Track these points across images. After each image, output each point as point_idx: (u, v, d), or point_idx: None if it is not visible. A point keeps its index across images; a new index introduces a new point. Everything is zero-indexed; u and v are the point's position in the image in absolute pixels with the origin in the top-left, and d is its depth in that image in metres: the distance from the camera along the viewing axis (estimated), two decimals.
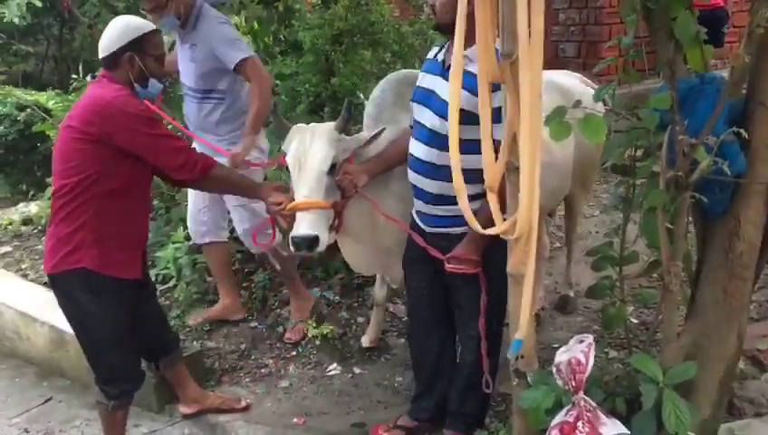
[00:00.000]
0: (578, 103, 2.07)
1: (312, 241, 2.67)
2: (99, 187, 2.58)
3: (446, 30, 2.47)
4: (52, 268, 2.66)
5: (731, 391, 2.74)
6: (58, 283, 2.70)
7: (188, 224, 3.86)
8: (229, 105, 3.58)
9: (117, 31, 2.70)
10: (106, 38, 2.70)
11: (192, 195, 3.76)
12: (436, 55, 2.68)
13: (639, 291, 3.28)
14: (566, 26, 7.06)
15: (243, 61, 3.41)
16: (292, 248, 2.71)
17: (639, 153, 2.38)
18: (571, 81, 3.52)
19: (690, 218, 2.34)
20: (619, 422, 1.99)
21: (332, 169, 2.74)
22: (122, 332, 2.75)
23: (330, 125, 2.81)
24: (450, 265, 2.53)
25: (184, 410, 3.29)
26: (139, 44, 2.69)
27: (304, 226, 2.67)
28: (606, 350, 3.41)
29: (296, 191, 2.73)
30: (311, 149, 2.72)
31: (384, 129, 2.83)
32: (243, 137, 3.44)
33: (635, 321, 3.73)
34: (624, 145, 2.27)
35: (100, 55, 2.72)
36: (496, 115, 2.10)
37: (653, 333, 2.79)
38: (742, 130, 1.91)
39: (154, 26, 2.82)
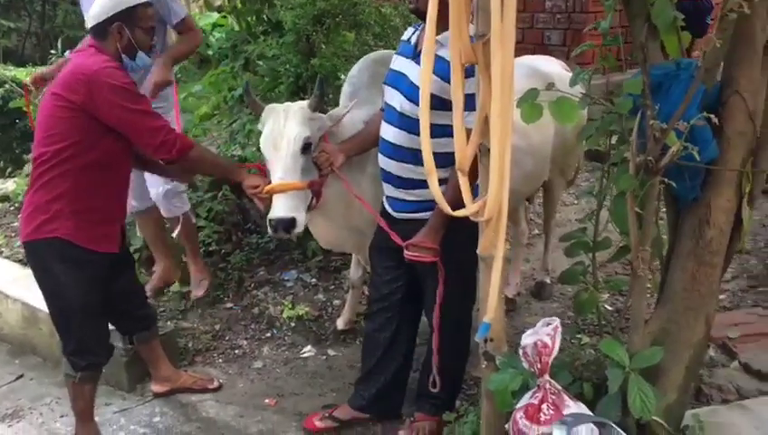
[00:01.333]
0: (551, 86, 2.06)
1: (289, 223, 2.65)
2: (80, 158, 2.57)
3: (425, 15, 2.47)
4: (27, 235, 2.64)
5: (698, 378, 2.77)
6: (32, 251, 2.69)
7: None
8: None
9: (108, 0, 2.66)
10: (97, 6, 2.67)
11: None
12: (409, 38, 2.65)
13: (613, 278, 3.31)
14: (552, 14, 7.04)
15: (184, 17, 3.53)
16: (270, 231, 2.68)
17: (615, 141, 2.39)
18: (552, 66, 3.51)
19: (663, 205, 2.35)
20: (583, 405, 2.00)
21: (307, 149, 2.71)
22: (93, 304, 2.74)
23: (303, 104, 2.78)
24: (408, 253, 2.52)
25: (155, 388, 3.27)
26: (129, 15, 2.66)
27: (281, 208, 2.65)
28: (579, 335, 3.43)
29: (272, 173, 2.71)
30: (284, 129, 2.69)
31: (354, 102, 2.80)
32: (156, 65, 3.30)
33: (609, 308, 3.75)
34: (598, 130, 2.26)
35: (89, 24, 2.68)
36: (470, 102, 2.09)
37: (623, 319, 2.80)
38: (713, 116, 1.90)
39: None
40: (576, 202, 5.20)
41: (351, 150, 2.84)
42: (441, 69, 2.17)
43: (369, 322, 3.02)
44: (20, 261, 4.25)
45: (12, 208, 5.31)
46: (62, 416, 3.17)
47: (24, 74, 5.53)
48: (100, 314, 2.82)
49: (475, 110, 2.03)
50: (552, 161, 3.41)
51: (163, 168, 2.98)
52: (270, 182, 2.70)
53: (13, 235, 4.77)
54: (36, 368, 3.61)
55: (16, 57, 7.59)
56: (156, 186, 3.64)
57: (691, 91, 1.90)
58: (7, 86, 5.53)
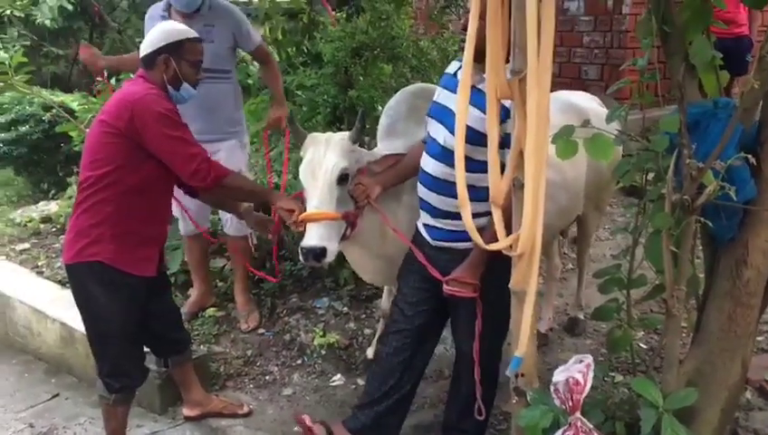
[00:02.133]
0: (586, 122, 2.07)
1: (320, 253, 2.67)
2: (122, 182, 2.64)
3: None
4: (71, 259, 2.71)
5: (734, 421, 2.71)
6: (74, 273, 2.75)
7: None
8: (236, 85, 3.83)
9: (159, 32, 2.78)
10: (147, 38, 2.80)
11: None
12: (455, 72, 2.67)
13: (648, 315, 3.26)
14: (590, 49, 7.06)
15: (261, 44, 3.81)
16: (301, 258, 2.72)
17: (651, 177, 2.38)
18: (587, 102, 3.51)
19: (700, 244, 2.33)
20: None
21: (344, 180, 2.75)
22: (130, 327, 2.79)
23: (344, 135, 2.82)
24: (448, 288, 2.53)
25: (187, 412, 3.30)
26: (177, 48, 2.76)
27: (313, 237, 2.68)
28: (612, 374, 3.38)
29: (308, 201, 2.75)
30: (324, 159, 2.73)
31: (401, 155, 2.84)
32: (275, 106, 3.85)
33: (644, 346, 3.69)
34: (633, 167, 2.26)
35: (140, 54, 2.80)
36: (506, 141, 2.11)
37: (657, 359, 2.76)
38: (750, 157, 1.89)
39: (197, 34, 2.88)
40: (611, 238, 5.15)
41: (388, 182, 2.86)
42: (481, 102, 2.19)
43: (383, 344, 2.94)
44: (59, 281, 4.35)
45: (53, 230, 5.46)
46: None
47: (71, 100, 5.71)
48: (137, 337, 2.87)
49: (510, 148, 2.05)
50: (586, 196, 3.40)
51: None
52: (305, 210, 2.74)
53: (54, 256, 4.89)
54: (72, 388, 3.68)
55: (64, 83, 7.83)
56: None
57: (729, 131, 1.89)
58: (54, 111, 5.69)
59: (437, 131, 2.61)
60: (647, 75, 2.45)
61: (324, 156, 2.74)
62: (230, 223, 3.87)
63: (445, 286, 2.53)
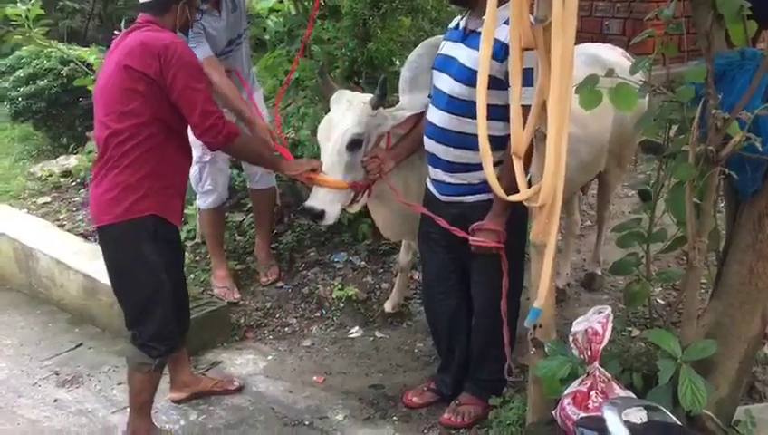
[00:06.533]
0: (611, 72, 2.04)
1: (318, 215, 2.73)
2: (161, 132, 2.59)
3: (464, 2, 2.59)
4: (118, 217, 2.59)
5: (752, 374, 2.71)
6: (123, 232, 2.62)
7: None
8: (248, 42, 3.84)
9: None
10: None
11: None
12: (457, 25, 2.66)
13: (666, 271, 3.26)
14: (612, 2, 6.90)
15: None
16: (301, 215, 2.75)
17: (673, 133, 2.35)
18: (612, 54, 3.45)
19: (721, 197, 2.31)
20: (633, 395, 1.99)
21: (356, 146, 2.75)
22: (176, 284, 2.78)
23: (365, 101, 2.80)
24: (474, 239, 2.53)
25: (174, 395, 3.15)
26: None
27: (315, 198, 2.74)
28: (629, 328, 3.40)
29: (322, 159, 2.78)
30: (340, 122, 2.74)
31: (423, 113, 2.81)
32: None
33: (661, 301, 3.69)
34: (657, 118, 2.23)
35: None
36: (527, 78, 2.08)
37: (674, 313, 2.76)
38: None
39: None
40: (630, 194, 5.11)
41: (401, 155, 2.87)
42: (496, 51, 2.16)
43: (427, 309, 3.08)
44: (81, 234, 4.41)
45: (73, 184, 5.50)
46: (119, 383, 3.28)
47: (88, 54, 5.69)
48: (173, 300, 2.78)
49: (532, 85, 2.02)
50: (608, 152, 3.37)
51: None
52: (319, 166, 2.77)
53: (74, 209, 4.95)
54: (95, 337, 3.75)
55: (80, 37, 7.80)
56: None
57: (755, 81, 1.86)
58: (72, 65, 5.68)
59: (443, 82, 2.60)
60: (671, 26, 2.41)
61: (342, 118, 2.74)
62: (258, 176, 3.87)
63: (471, 239, 2.54)
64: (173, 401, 3.15)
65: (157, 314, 2.69)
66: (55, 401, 3.23)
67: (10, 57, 6.21)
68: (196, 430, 3.00)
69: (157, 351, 2.72)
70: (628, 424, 1.54)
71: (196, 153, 3.29)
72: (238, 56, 3.72)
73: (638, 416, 1.60)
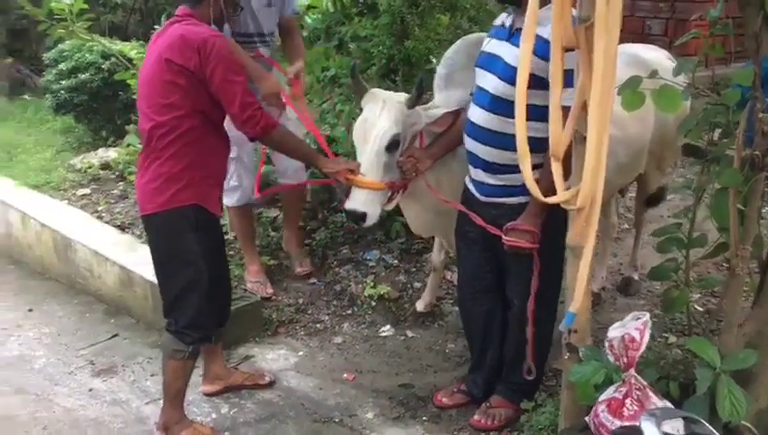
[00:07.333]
0: (654, 73, 2.00)
1: (360, 217, 2.74)
2: (202, 124, 2.64)
3: (512, 0, 2.51)
4: (161, 206, 2.65)
5: None
6: (166, 221, 2.68)
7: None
8: None
9: None
10: None
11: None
12: (502, 23, 2.63)
13: (706, 276, 3.18)
14: (654, 2, 6.78)
15: (298, 12, 3.84)
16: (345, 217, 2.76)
17: (716, 137, 2.30)
18: (655, 55, 3.38)
19: (766, 202, 2.25)
20: (669, 404, 1.95)
21: (394, 146, 2.75)
22: (214, 273, 2.80)
23: (401, 100, 2.79)
24: (507, 238, 2.50)
25: (206, 388, 3.18)
26: None
27: (355, 201, 2.74)
28: (666, 335, 3.33)
29: (359, 159, 2.78)
30: (377, 122, 2.73)
31: (459, 111, 2.79)
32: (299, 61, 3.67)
33: (699, 308, 3.61)
34: (701, 120, 2.18)
35: None
36: (568, 79, 2.05)
37: (714, 321, 2.70)
38: None
39: None
40: (670, 199, 5.02)
41: (437, 154, 2.86)
42: (538, 47, 2.13)
43: (461, 308, 3.06)
44: (119, 226, 4.48)
45: (112, 176, 5.58)
46: (152, 375, 3.33)
47: (129, 48, 5.77)
48: (210, 291, 2.81)
49: (573, 86, 1.99)
50: (649, 154, 3.30)
51: None
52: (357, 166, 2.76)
53: (112, 201, 5.02)
54: (130, 328, 3.81)
55: (122, 32, 7.91)
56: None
57: None
58: (113, 59, 5.77)
59: (486, 80, 2.56)
60: (718, 27, 2.35)
61: (378, 118, 2.73)
62: (290, 171, 3.88)
63: (504, 237, 2.51)
64: (205, 394, 3.18)
65: (193, 301, 2.74)
66: (90, 390, 3.29)
67: (53, 50, 6.32)
68: (228, 423, 3.02)
69: (191, 338, 2.76)
70: None
71: None
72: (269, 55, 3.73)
73: (676, 428, 1.56)
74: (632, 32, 6.80)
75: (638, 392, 1.93)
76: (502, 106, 2.46)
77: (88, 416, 3.10)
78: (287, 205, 4.15)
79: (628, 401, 1.93)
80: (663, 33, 6.71)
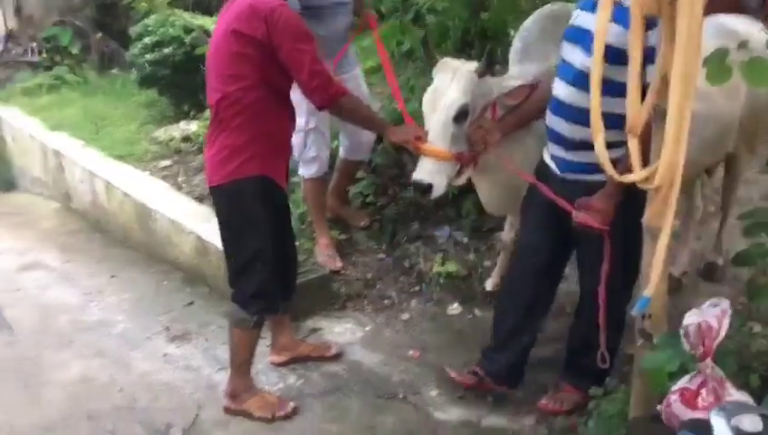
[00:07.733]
0: (744, 44, 1.86)
1: (426, 188, 2.68)
2: (267, 96, 2.66)
3: None
4: (226, 177, 2.69)
5: None
6: (233, 191, 2.71)
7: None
8: None
9: None
10: None
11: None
12: None
13: None
14: None
15: None
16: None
17: None
18: (746, 26, 3.17)
19: None
20: (748, 396, 1.83)
21: (463, 117, 2.68)
22: (279, 244, 2.83)
23: (471, 69, 2.72)
24: (577, 214, 2.40)
25: (274, 358, 3.24)
26: None
27: (422, 171, 2.69)
28: (749, 323, 3.14)
29: (428, 129, 2.73)
30: (446, 92, 2.67)
31: (535, 85, 2.69)
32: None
33: None
34: None
35: None
36: (650, 55, 1.93)
37: None
38: None
39: None
40: (761, 180, 4.73)
41: (509, 127, 2.77)
42: (623, 18, 2.01)
43: (507, 281, 2.95)
44: (196, 198, 4.59)
45: (193, 149, 5.71)
46: (224, 343, 3.38)
47: (210, 23, 5.86)
48: (275, 260, 2.84)
49: (654, 63, 1.87)
50: (738, 132, 3.10)
51: None
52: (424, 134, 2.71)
53: (191, 173, 5.15)
54: (204, 297, 3.91)
55: (203, 7, 8.04)
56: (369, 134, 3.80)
57: None
58: (195, 33, 5.88)
59: (573, 55, 2.45)
60: None
61: (448, 88, 2.67)
62: (358, 145, 3.88)
63: (574, 214, 2.41)
64: (273, 364, 3.23)
65: (257, 271, 2.77)
66: (165, 355, 3.40)
67: (138, 25, 6.50)
68: (294, 393, 3.07)
69: (255, 307, 2.80)
70: (737, 431, 1.41)
71: (300, 121, 3.31)
72: (347, 23, 3.68)
73: (752, 423, 1.46)
74: (725, 6, 6.42)
75: (713, 383, 1.83)
76: (586, 81, 2.35)
77: (161, 380, 3.22)
78: (341, 177, 4.13)
79: (703, 391, 1.82)
80: (760, 4, 6.30)
